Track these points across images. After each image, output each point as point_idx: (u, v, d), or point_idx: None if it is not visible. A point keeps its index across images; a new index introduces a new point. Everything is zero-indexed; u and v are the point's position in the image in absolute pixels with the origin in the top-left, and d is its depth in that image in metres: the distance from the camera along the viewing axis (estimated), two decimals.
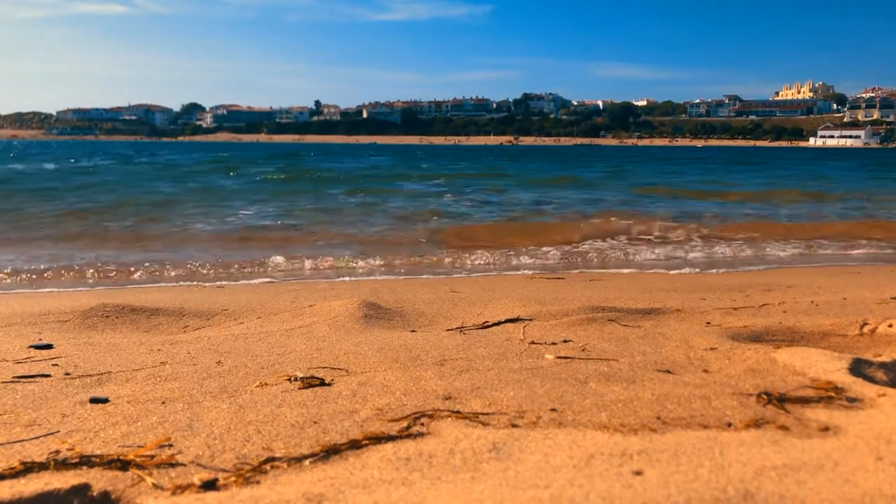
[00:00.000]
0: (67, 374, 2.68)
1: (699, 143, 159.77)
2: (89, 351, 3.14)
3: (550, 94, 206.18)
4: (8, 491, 1.54)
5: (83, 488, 1.57)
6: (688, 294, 5.12)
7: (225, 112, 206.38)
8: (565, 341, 3.23)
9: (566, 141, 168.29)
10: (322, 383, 2.46)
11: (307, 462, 1.72)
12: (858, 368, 2.47)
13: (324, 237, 10.18)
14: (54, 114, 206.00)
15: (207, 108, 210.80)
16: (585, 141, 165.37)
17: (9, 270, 6.94)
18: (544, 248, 8.94)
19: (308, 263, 7.78)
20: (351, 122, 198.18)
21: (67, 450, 1.79)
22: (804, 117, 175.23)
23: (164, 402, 2.25)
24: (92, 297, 4.81)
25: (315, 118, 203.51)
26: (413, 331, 3.73)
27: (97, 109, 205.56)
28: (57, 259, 7.89)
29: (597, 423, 1.98)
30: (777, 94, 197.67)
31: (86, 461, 1.71)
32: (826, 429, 1.91)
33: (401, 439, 1.86)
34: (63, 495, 1.55)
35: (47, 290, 6.03)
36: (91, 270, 7.16)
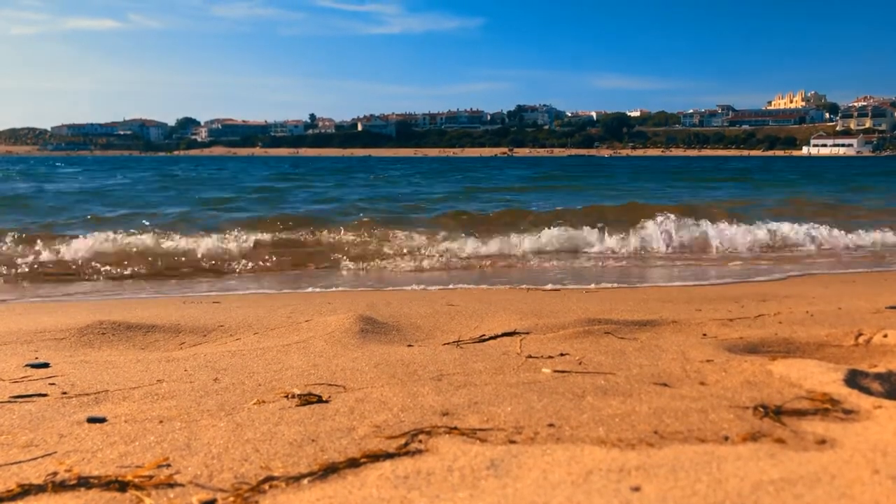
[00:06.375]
0: (64, 393, 2.67)
1: (693, 152, 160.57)
2: (86, 369, 3.13)
3: (544, 105, 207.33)
4: None
5: None
6: (683, 305, 5.14)
7: (220, 126, 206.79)
8: (562, 355, 3.24)
9: (560, 152, 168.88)
10: (319, 400, 2.45)
11: (306, 481, 1.72)
12: (854, 380, 2.48)
13: None
14: (49, 129, 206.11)
15: (202, 123, 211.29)
16: (580, 152, 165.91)
17: None
18: None
19: None
20: (346, 134, 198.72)
21: (65, 471, 1.79)
22: (797, 126, 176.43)
23: (161, 421, 2.24)
24: (88, 315, 4.80)
25: (310, 131, 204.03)
26: (410, 345, 3.74)
27: (92, 125, 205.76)
28: None
29: (594, 438, 1.99)
30: (770, 103, 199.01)
31: (84, 482, 1.70)
32: (822, 441, 1.92)
33: (399, 457, 1.86)
34: None
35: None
36: None
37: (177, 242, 9.49)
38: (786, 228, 11.37)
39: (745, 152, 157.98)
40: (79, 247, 8.95)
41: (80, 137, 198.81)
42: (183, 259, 9.04)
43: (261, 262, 9.01)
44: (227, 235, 10.08)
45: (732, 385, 2.55)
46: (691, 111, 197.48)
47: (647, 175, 41.20)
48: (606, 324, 4.02)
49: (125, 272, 8.33)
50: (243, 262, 8.97)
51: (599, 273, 8.45)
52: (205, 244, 9.42)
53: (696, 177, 38.46)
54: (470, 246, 10.27)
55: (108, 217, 15.29)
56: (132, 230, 10.33)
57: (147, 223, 13.66)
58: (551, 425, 2.10)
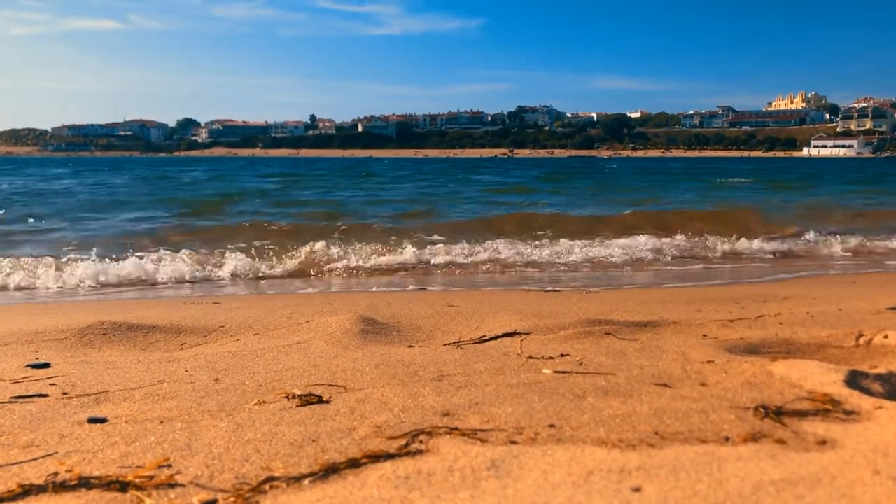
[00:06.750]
0: (65, 393, 2.67)
1: (693, 153, 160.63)
2: (87, 370, 3.14)
3: (545, 106, 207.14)
4: None
5: None
6: (684, 306, 5.14)
7: (220, 127, 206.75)
8: (563, 355, 3.24)
9: (560, 153, 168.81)
10: (320, 401, 2.45)
11: (306, 482, 1.72)
12: (855, 380, 2.48)
13: None
14: (49, 130, 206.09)
15: (203, 123, 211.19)
16: (581, 153, 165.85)
17: None
18: None
19: None
20: (346, 135, 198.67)
21: (66, 471, 1.79)
22: (797, 127, 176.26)
23: (162, 422, 2.24)
24: (89, 315, 4.80)
25: (310, 132, 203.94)
26: (410, 346, 3.74)
27: (92, 125, 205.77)
28: None
29: (595, 438, 1.99)
30: (770, 104, 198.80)
31: (85, 483, 1.70)
32: (823, 442, 1.92)
33: (399, 457, 1.86)
34: None
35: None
36: None
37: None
38: None
39: (746, 153, 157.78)
40: None
41: (81, 138, 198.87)
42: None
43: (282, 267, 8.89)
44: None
45: (733, 386, 2.55)
46: (692, 112, 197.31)
47: (679, 178, 39.98)
48: (607, 325, 4.02)
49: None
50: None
51: None
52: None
53: (708, 178, 38.29)
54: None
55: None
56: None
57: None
58: (552, 426, 2.10)
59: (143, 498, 1.62)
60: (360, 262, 9.20)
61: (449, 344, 3.71)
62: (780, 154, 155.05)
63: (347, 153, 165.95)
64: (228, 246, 9.89)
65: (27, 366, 3.23)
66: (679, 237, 10.91)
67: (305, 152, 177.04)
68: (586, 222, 13.96)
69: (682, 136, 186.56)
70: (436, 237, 11.38)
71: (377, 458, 1.85)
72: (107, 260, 8.49)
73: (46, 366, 3.23)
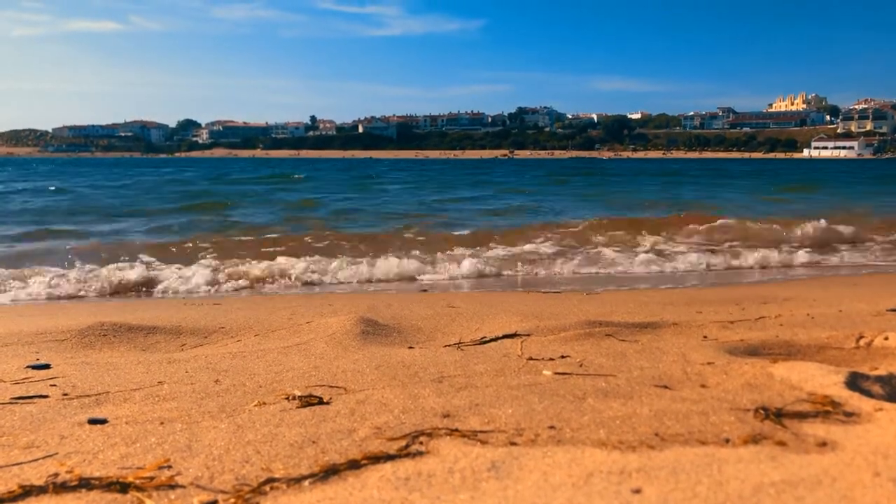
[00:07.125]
0: (65, 394, 2.68)
1: (694, 154, 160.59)
2: (87, 370, 3.14)
3: (545, 107, 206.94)
4: None
5: None
6: (684, 307, 5.14)
7: (221, 128, 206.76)
8: (563, 357, 3.24)
9: (560, 154, 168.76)
10: (320, 402, 2.45)
11: (306, 483, 1.72)
12: (855, 382, 2.48)
13: None
14: (50, 131, 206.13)
15: (203, 124, 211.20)
16: (581, 154, 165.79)
17: None
18: None
19: None
20: (347, 136, 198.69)
21: (66, 472, 1.79)
22: (798, 129, 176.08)
23: (162, 423, 2.24)
24: (89, 316, 4.80)
25: (311, 133, 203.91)
26: (411, 347, 3.74)
27: (93, 126, 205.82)
28: None
29: (595, 440, 1.99)
30: (771, 105, 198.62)
31: (85, 484, 1.70)
32: (823, 444, 1.92)
33: (400, 458, 1.86)
34: None
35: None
36: None
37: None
38: None
39: (747, 155, 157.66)
40: None
41: (82, 139, 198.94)
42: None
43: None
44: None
45: (733, 387, 2.55)
46: (692, 113, 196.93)
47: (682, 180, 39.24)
48: (607, 326, 4.02)
49: None
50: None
51: None
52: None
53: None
54: None
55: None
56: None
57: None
58: (552, 427, 2.10)
59: (143, 499, 1.62)
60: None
61: (449, 345, 3.71)
62: (781, 155, 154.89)
63: (348, 154, 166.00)
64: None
65: (28, 367, 3.23)
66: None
67: (306, 153, 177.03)
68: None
69: (682, 138, 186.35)
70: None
71: (377, 459, 1.85)
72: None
73: (47, 367, 3.23)
